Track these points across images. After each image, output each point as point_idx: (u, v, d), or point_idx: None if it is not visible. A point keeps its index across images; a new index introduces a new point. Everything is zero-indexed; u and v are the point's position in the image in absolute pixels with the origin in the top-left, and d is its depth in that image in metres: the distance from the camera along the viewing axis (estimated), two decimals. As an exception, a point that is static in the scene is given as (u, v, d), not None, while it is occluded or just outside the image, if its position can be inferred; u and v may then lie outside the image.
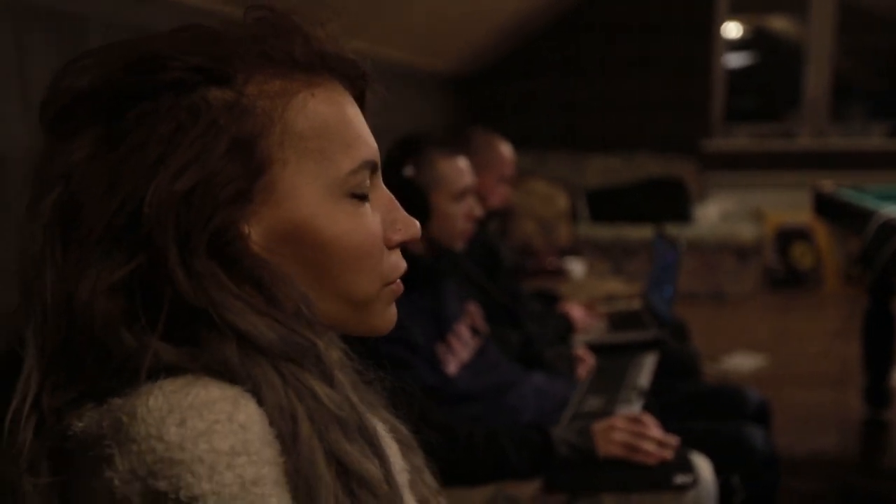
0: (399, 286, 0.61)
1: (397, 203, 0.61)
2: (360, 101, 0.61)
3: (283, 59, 0.55)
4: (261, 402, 0.48)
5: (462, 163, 1.60)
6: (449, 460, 1.39)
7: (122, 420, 0.45)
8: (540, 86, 5.52)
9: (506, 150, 2.29)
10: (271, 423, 0.47)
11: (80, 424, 0.47)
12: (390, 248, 0.60)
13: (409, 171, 1.54)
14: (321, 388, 0.51)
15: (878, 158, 5.05)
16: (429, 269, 1.58)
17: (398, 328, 1.44)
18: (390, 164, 1.59)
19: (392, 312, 0.62)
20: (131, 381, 0.47)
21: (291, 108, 0.54)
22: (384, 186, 0.60)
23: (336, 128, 0.56)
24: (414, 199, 1.53)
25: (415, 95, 4.32)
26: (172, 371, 0.48)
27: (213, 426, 0.45)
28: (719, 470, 1.47)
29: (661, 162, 5.20)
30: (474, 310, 1.75)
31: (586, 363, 1.93)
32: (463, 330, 1.65)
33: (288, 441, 0.47)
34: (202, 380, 0.47)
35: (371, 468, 0.51)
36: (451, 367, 1.55)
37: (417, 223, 0.61)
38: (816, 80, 5.26)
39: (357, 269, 0.57)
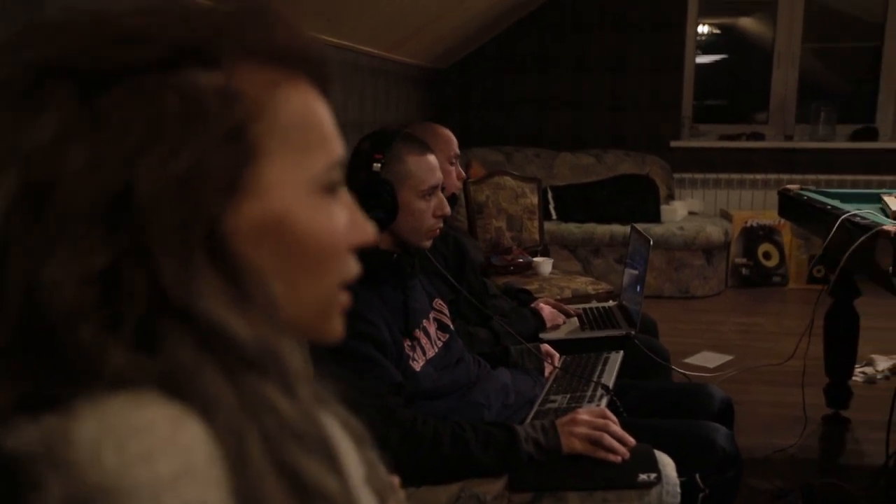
0: (347, 297, 0.60)
1: (356, 205, 0.60)
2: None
3: (264, 48, 0.53)
4: (209, 420, 0.45)
5: (431, 160, 1.59)
6: (414, 458, 1.39)
7: (56, 442, 0.42)
8: (512, 82, 5.52)
9: (445, 131, 2.27)
10: (218, 443, 0.44)
11: (11, 441, 0.43)
12: (349, 249, 0.59)
13: (377, 166, 1.52)
14: (281, 402, 0.48)
15: (842, 160, 5.14)
16: (396, 266, 1.57)
17: (365, 324, 1.44)
18: (360, 159, 1.58)
19: (340, 323, 0.60)
20: (71, 388, 0.44)
21: (277, 100, 0.52)
22: (346, 187, 0.60)
23: (314, 124, 0.55)
24: (381, 194, 1.52)
25: (386, 89, 4.29)
26: (116, 382, 0.44)
27: (153, 450, 0.42)
28: (683, 467, 1.48)
29: (632, 160, 5.22)
30: (441, 306, 1.75)
31: (553, 360, 1.93)
32: (430, 326, 1.65)
33: (235, 462, 0.45)
34: (144, 398, 0.44)
35: (330, 483, 0.49)
36: (418, 363, 1.54)
37: (373, 227, 0.60)
38: (784, 81, 5.33)
39: (326, 266, 0.56)
